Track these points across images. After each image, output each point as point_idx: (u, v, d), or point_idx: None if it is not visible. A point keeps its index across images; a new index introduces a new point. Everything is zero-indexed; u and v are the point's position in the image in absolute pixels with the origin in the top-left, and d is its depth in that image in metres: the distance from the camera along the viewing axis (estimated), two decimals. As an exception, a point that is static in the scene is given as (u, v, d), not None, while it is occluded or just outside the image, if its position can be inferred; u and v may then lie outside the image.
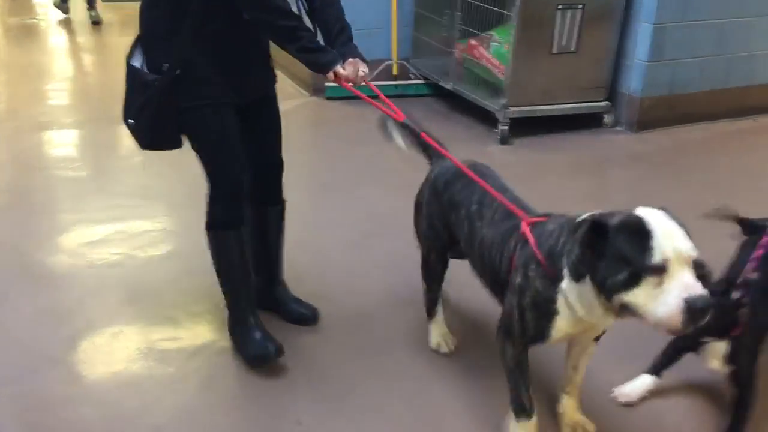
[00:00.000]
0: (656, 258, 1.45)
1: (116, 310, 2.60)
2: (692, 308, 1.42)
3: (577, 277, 1.59)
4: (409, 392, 2.22)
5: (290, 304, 2.54)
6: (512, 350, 1.83)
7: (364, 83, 2.18)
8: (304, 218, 3.17)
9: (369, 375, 2.29)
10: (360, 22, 5.00)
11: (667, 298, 1.45)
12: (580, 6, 4.09)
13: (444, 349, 2.38)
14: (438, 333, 2.40)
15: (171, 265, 2.93)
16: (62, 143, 4.27)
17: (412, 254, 2.47)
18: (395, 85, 5.10)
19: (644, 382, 2.17)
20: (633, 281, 1.47)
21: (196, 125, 2.11)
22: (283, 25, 2.02)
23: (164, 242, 3.10)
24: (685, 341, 2.02)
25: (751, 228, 2.12)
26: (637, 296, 1.48)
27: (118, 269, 2.86)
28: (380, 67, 5.09)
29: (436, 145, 2.31)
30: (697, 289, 1.44)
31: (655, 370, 2.17)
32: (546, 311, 1.70)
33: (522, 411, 1.89)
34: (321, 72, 2.12)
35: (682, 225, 1.54)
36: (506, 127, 4.28)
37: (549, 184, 3.78)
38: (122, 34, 6.74)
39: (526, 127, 4.39)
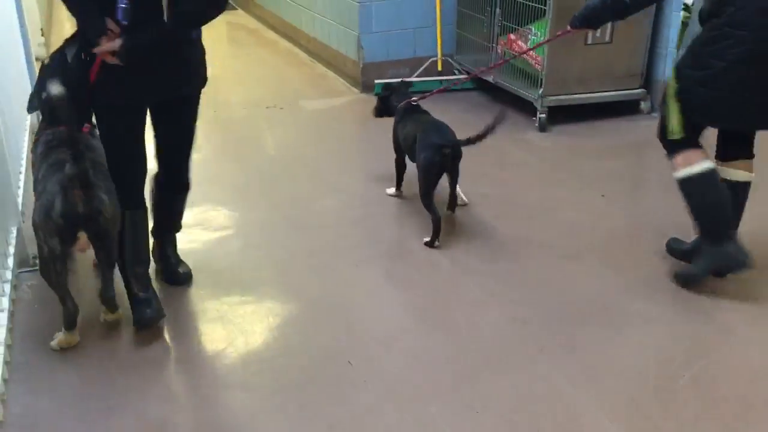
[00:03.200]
0: None
1: (196, 278, 2.99)
2: None
3: None
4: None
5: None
6: None
7: None
8: (363, 204, 3.56)
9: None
10: (407, 22, 5.40)
11: None
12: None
13: None
14: None
15: (235, 241, 3.30)
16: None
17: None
18: (440, 80, 5.39)
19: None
20: None
21: (97, 122, 2.54)
22: None
23: (229, 221, 3.48)
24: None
25: None
26: None
27: (194, 245, 3.25)
28: (426, 64, 5.39)
29: None
30: None
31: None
32: None
33: None
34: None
35: None
36: (544, 116, 4.53)
37: (584, 166, 4.01)
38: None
39: (563, 115, 4.63)
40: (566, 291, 2.87)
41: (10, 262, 2.81)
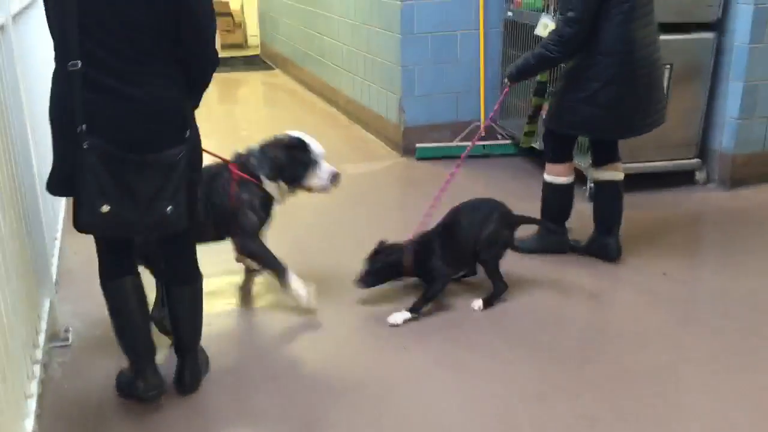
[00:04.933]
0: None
1: (238, 350, 2.80)
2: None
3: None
4: None
5: None
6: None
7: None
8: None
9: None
10: (450, 85, 5.30)
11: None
12: (668, 66, 4.15)
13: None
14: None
15: (278, 315, 3.13)
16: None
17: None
18: (483, 145, 5.26)
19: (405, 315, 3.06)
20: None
21: None
22: None
23: (270, 293, 3.31)
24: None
25: None
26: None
27: (232, 318, 3.08)
28: (468, 128, 5.27)
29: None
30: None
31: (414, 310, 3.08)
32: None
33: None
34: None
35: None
36: (593, 185, 4.33)
37: (640, 241, 3.79)
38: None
39: (615, 184, 4.42)
40: (638, 387, 2.63)
41: (41, 339, 2.65)
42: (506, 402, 2.53)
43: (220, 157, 2.97)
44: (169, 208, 2.12)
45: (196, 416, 2.49)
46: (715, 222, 4.21)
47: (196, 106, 2.35)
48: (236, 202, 2.94)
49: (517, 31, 5.02)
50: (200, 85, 2.30)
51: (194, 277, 2.49)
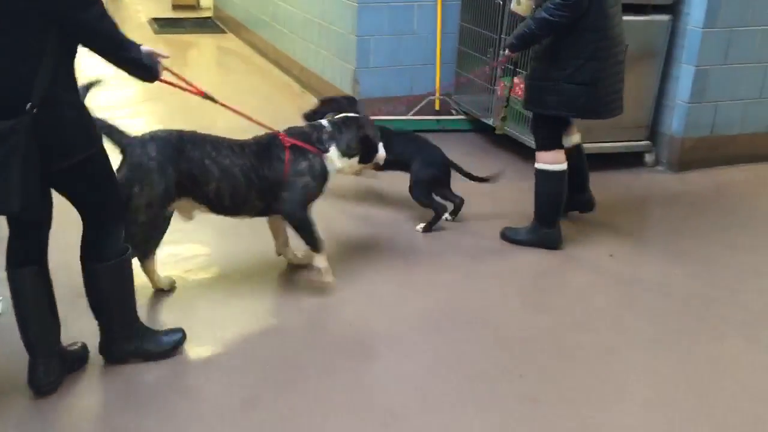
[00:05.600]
0: None
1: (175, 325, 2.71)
2: None
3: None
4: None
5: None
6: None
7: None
8: (359, 248, 3.27)
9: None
10: (405, 58, 5.21)
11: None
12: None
13: None
14: None
15: (219, 287, 3.04)
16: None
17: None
18: (437, 120, 5.21)
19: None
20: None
21: None
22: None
23: (213, 266, 3.22)
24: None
25: None
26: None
27: (170, 291, 2.98)
28: (423, 102, 5.21)
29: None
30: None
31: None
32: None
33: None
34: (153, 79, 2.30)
35: None
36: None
37: (587, 222, 3.82)
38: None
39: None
40: (581, 368, 2.64)
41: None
42: (449, 382, 2.52)
43: (266, 126, 2.94)
44: None
45: (128, 390, 2.41)
46: (661, 205, 4.27)
47: (135, 69, 2.20)
48: (291, 169, 2.84)
49: (476, 5, 4.95)
50: (107, 55, 2.09)
51: (110, 256, 2.32)
